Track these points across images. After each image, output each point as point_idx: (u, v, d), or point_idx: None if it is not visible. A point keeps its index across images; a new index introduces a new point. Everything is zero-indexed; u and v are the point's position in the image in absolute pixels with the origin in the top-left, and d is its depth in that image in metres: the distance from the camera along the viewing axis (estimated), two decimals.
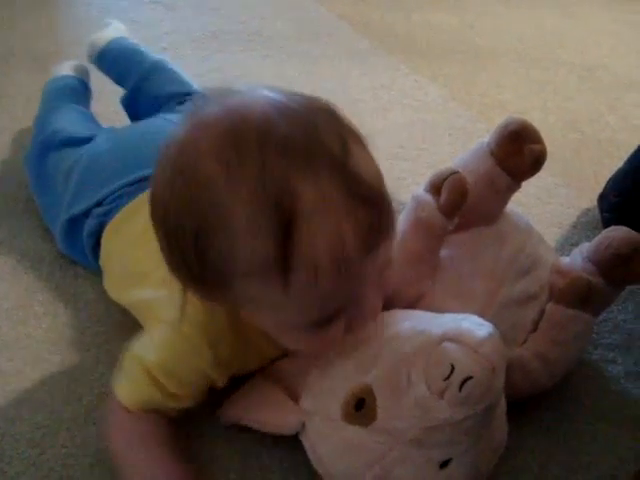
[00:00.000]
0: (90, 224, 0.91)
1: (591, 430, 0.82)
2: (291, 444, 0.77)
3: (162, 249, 0.65)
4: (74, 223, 0.94)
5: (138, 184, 0.88)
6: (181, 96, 1.11)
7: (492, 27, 1.71)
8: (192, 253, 0.61)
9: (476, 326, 0.64)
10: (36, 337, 0.89)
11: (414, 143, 1.25)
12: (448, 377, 0.60)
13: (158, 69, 1.18)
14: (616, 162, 1.16)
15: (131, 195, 0.88)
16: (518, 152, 0.83)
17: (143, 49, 1.24)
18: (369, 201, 0.58)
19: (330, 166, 0.57)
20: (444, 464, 0.65)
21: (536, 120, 1.20)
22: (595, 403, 0.85)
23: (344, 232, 0.57)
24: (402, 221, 0.80)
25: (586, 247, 0.85)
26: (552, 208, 1.17)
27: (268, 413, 0.74)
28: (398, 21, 1.70)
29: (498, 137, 0.84)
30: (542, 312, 0.81)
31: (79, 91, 1.21)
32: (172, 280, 0.66)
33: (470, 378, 0.60)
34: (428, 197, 0.78)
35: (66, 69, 1.24)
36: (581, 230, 1.13)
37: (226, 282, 0.61)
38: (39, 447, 0.76)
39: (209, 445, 0.78)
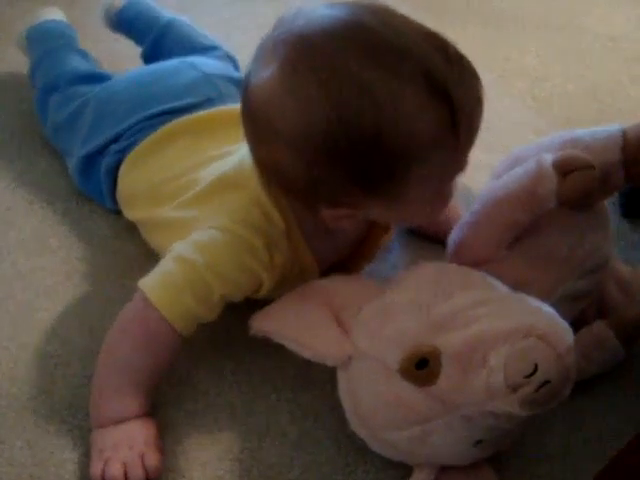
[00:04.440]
0: (108, 161, 0.92)
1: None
2: (299, 385, 0.78)
3: (301, 169, 0.65)
4: (90, 160, 0.94)
5: (158, 117, 0.89)
6: (201, 49, 1.11)
7: None
8: (371, 151, 0.63)
9: (564, 330, 0.63)
10: (50, 269, 0.90)
11: None
12: (529, 376, 0.60)
13: (175, 25, 1.16)
14: None
15: (152, 128, 0.89)
16: None
17: (157, 8, 1.20)
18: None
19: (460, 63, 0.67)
20: (478, 442, 0.66)
21: (557, 87, 1.19)
22: None
23: (476, 102, 0.67)
24: (513, 179, 0.73)
25: None
26: None
27: (313, 336, 0.69)
28: None
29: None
30: (583, 311, 0.79)
31: (71, 35, 1.16)
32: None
33: (548, 382, 0.60)
34: (551, 174, 0.71)
35: (49, 14, 1.19)
36: None
37: (402, 168, 0.64)
38: (51, 375, 0.78)
39: (216, 386, 0.79)
